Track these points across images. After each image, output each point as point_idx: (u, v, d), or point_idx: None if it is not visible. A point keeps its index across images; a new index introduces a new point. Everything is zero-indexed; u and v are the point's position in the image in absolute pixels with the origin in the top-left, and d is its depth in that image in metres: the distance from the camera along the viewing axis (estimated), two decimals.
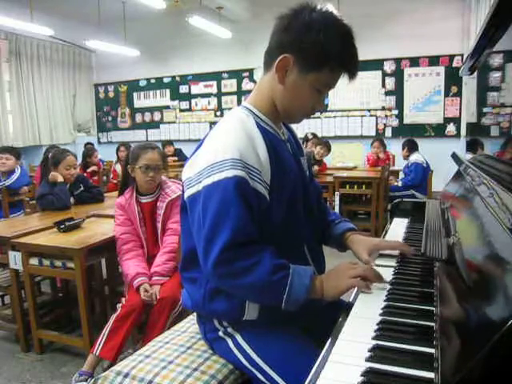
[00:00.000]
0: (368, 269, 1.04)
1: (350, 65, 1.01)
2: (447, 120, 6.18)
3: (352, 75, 1.02)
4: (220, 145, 0.97)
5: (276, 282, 0.93)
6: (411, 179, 4.65)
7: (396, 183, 4.96)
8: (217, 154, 0.95)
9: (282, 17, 1.00)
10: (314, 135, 5.27)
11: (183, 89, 7.85)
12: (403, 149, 4.95)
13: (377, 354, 0.72)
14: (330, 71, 0.99)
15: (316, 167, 4.73)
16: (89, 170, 4.99)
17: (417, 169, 4.64)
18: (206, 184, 0.94)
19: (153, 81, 8.06)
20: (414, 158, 4.76)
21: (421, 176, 4.60)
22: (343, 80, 1.04)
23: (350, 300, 0.96)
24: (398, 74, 6.39)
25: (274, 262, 0.94)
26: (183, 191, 1.05)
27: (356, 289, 1.00)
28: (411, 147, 4.88)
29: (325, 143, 4.96)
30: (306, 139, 5.13)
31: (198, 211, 0.96)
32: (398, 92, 6.43)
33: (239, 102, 7.21)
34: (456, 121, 6.12)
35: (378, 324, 0.82)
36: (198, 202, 0.96)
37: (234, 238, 0.90)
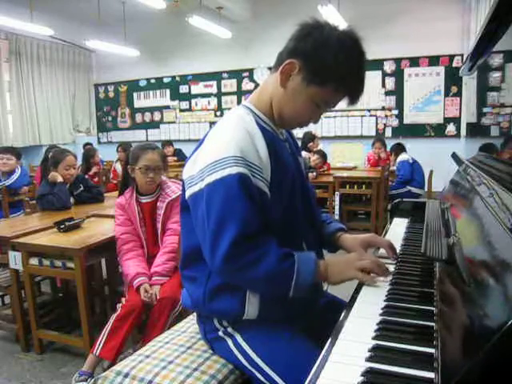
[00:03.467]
0: (375, 262, 1.04)
1: (353, 90, 1.02)
2: (447, 120, 6.19)
3: (353, 100, 1.03)
4: (221, 143, 0.97)
5: (284, 270, 0.95)
6: (402, 176, 4.92)
7: (391, 183, 5.04)
8: (219, 151, 0.95)
9: (304, 25, 1.00)
10: (314, 137, 5.27)
11: (183, 89, 7.85)
12: (391, 155, 5.23)
13: (377, 353, 0.72)
14: (332, 90, 1.00)
15: (310, 174, 4.73)
16: (91, 173, 4.79)
17: (403, 166, 4.92)
18: (208, 182, 0.94)
19: (153, 81, 8.06)
20: (400, 158, 5.04)
21: (409, 171, 4.87)
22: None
23: (350, 300, 0.96)
24: (398, 74, 6.39)
25: (279, 251, 0.96)
26: (184, 190, 1.05)
27: (356, 286, 1.00)
28: (397, 151, 5.13)
29: (322, 155, 5.01)
30: (312, 138, 5.17)
31: (202, 209, 0.96)
32: (398, 92, 6.44)
33: (239, 102, 7.20)
34: (456, 121, 6.12)
35: (378, 324, 0.82)
36: (201, 200, 0.96)
37: (242, 232, 0.91)
